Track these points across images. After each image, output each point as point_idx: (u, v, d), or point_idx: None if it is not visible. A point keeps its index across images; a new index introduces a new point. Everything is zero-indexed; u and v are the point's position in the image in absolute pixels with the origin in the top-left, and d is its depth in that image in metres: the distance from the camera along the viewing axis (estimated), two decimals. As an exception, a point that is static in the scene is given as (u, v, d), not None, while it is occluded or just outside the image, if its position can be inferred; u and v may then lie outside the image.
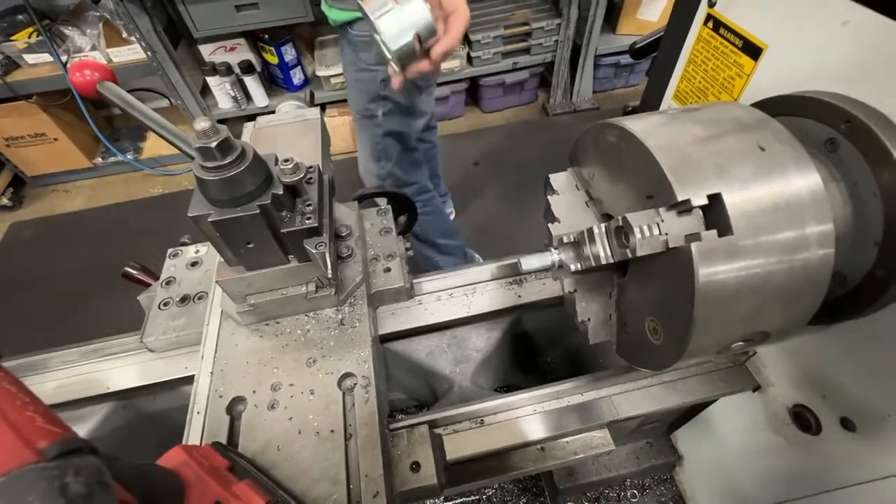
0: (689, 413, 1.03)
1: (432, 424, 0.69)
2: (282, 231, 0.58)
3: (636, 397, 0.74)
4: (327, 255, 0.60)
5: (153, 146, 2.90)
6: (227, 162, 0.51)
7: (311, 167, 0.63)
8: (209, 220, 0.53)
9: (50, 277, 2.35)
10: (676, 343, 0.45)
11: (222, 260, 0.63)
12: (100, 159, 2.88)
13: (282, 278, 0.65)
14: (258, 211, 0.54)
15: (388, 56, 0.63)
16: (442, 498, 1.36)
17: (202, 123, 0.49)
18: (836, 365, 0.62)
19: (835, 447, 0.65)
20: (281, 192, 0.56)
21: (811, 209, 0.41)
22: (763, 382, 0.75)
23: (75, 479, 0.22)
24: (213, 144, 0.50)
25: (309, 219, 0.59)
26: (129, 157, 2.80)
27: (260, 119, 0.92)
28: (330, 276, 0.63)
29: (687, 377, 0.75)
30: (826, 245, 0.42)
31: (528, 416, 0.72)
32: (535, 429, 0.71)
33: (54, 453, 0.23)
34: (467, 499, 1.38)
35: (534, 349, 1.09)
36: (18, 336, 2.10)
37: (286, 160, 0.58)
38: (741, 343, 0.47)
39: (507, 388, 1.09)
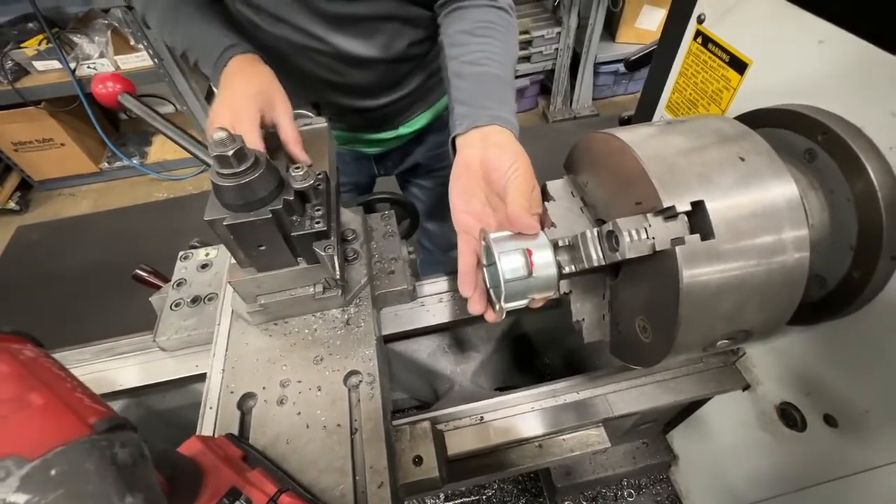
0: (683, 413, 1.05)
1: (434, 421, 0.72)
2: (292, 234, 0.61)
3: (630, 395, 0.76)
4: (335, 258, 0.63)
5: (158, 151, 2.94)
6: (242, 169, 0.54)
7: (319, 174, 0.66)
8: (224, 223, 0.57)
9: (56, 280, 2.38)
10: (664, 340, 0.48)
11: (234, 262, 0.66)
12: (106, 164, 2.93)
13: (291, 280, 0.68)
14: (270, 215, 0.57)
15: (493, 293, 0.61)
16: (443, 497, 1.38)
17: (220, 133, 0.53)
18: (819, 364, 0.64)
19: (819, 443, 0.68)
20: (292, 198, 0.59)
21: (787, 215, 0.44)
22: (752, 381, 0.78)
23: (122, 450, 0.25)
24: (230, 153, 0.53)
25: (318, 223, 0.62)
26: (134, 161, 2.85)
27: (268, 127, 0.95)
28: (338, 277, 0.66)
29: (679, 377, 0.78)
30: (801, 249, 0.45)
31: (526, 413, 0.75)
32: (532, 426, 0.74)
33: (103, 428, 0.26)
34: (468, 499, 1.40)
35: (533, 350, 1.12)
36: (25, 338, 2.13)
37: (297, 167, 0.61)
38: (725, 341, 0.50)
39: (506, 388, 1.11)
